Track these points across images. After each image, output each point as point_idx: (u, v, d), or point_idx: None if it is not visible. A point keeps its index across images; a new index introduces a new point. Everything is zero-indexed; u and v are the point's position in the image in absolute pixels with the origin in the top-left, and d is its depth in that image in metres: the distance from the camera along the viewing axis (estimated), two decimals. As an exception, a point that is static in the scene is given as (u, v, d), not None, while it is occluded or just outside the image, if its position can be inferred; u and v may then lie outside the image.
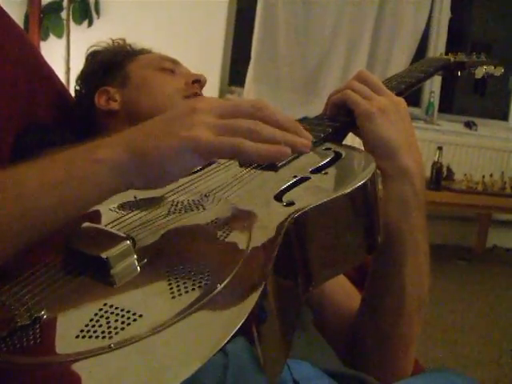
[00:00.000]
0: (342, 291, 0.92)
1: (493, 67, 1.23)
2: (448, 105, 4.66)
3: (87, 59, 1.19)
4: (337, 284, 0.92)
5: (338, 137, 0.83)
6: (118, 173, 0.56)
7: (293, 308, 0.60)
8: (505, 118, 4.63)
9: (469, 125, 4.38)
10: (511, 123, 4.56)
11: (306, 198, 0.63)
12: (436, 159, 3.59)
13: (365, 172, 0.68)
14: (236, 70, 4.08)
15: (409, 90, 1.00)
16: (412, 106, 4.38)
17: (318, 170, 0.71)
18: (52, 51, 3.18)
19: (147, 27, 3.21)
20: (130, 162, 0.56)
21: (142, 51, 1.19)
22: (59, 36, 3.30)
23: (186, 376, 0.39)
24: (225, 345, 0.42)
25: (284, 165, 0.73)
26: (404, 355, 0.82)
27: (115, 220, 0.64)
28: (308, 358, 0.65)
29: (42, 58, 1.19)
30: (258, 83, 3.93)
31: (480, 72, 1.21)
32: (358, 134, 0.83)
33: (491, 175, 3.83)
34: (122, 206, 0.69)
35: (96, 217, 0.67)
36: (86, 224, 0.61)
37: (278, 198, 0.64)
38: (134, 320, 0.47)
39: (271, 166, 0.72)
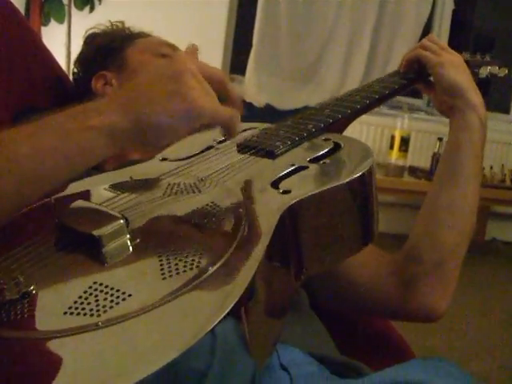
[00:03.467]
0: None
1: (497, 68, 1.24)
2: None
3: (85, 42, 1.18)
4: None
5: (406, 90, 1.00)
6: (112, 139, 0.56)
7: (284, 294, 0.61)
8: (506, 111, 4.61)
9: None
10: (512, 116, 4.55)
11: (302, 187, 0.64)
12: (436, 150, 3.58)
13: (363, 163, 0.68)
14: (237, 59, 4.06)
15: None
16: (413, 97, 4.37)
17: (316, 160, 0.71)
18: (53, 36, 3.16)
19: (148, 13, 3.19)
20: (127, 127, 0.56)
21: (141, 34, 1.18)
22: (60, 21, 3.28)
23: (171, 357, 0.39)
24: (213, 327, 0.42)
25: (282, 153, 0.73)
26: (443, 292, 0.92)
27: (109, 199, 0.64)
28: (300, 343, 0.65)
29: (41, 42, 1.18)
30: (258, 72, 3.92)
31: (484, 72, 1.22)
32: (425, 89, 1.04)
33: (491, 167, 3.82)
34: (116, 186, 0.69)
35: (90, 195, 0.67)
36: (80, 202, 0.61)
37: (275, 185, 0.64)
38: (124, 299, 0.47)
39: (270, 152, 0.72)
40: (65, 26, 3.24)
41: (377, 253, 0.94)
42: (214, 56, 3.66)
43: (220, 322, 0.43)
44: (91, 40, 1.18)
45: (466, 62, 1.20)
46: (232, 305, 0.44)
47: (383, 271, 0.93)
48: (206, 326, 0.42)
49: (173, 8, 3.49)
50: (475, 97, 0.95)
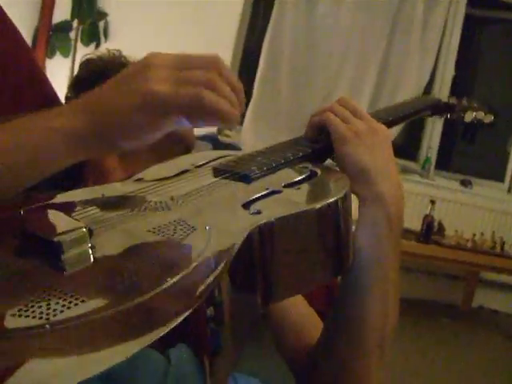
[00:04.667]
0: (307, 323, 0.90)
1: (483, 113, 1.23)
2: (445, 162, 4.67)
3: (80, 66, 1.19)
4: (302, 315, 0.90)
5: (316, 159, 0.82)
6: (73, 141, 0.56)
7: (247, 319, 0.59)
8: (501, 179, 4.64)
9: (464, 183, 4.40)
10: (506, 184, 4.57)
11: (274, 209, 0.62)
12: (428, 212, 3.59)
13: (337, 190, 0.67)
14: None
15: (395, 123, 1.00)
16: (409, 160, 4.40)
17: (291, 185, 0.70)
18: (57, 69, 3.21)
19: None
20: (87, 128, 0.56)
21: None
22: (65, 55, 3.34)
23: (108, 366, 0.38)
24: (154, 341, 0.40)
25: (257, 177, 0.72)
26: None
27: (76, 212, 0.63)
28: (258, 373, 0.63)
29: (35, 62, 1.18)
30: (256, 122, 3.96)
31: (469, 116, 1.22)
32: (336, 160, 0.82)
33: (482, 234, 3.82)
34: (87, 201, 0.68)
35: (58, 207, 0.65)
36: (45, 210, 0.60)
37: (246, 206, 0.63)
38: (76, 304, 0.45)
39: (245, 176, 0.72)
40: (69, 59, 3.28)
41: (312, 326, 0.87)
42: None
43: (169, 341, 0.41)
44: (86, 64, 1.19)
45: (452, 105, 1.21)
46: (180, 319, 0.43)
47: (302, 349, 0.85)
48: (146, 340, 0.41)
49: (178, 40, 3.53)
50: (382, 184, 0.76)
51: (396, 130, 4.10)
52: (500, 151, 4.74)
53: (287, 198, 0.67)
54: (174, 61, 0.59)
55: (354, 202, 0.74)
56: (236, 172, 0.73)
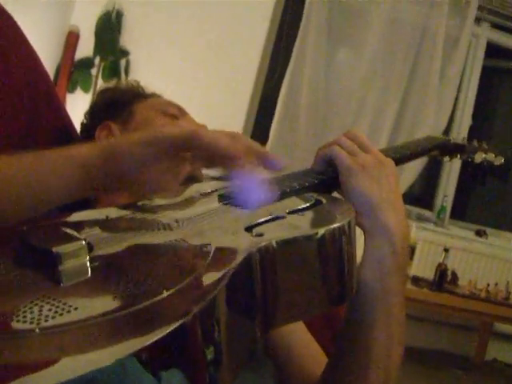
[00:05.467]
0: (311, 356, 0.89)
1: (493, 155, 1.22)
2: (461, 212, 4.65)
3: (97, 94, 1.21)
4: (306, 348, 0.89)
5: (323, 191, 0.82)
6: (85, 169, 0.59)
7: (242, 343, 0.58)
8: (514, 230, 4.60)
9: (479, 233, 4.36)
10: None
11: (276, 232, 0.62)
12: (441, 261, 3.55)
13: (342, 218, 0.67)
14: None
15: (403, 162, 1.00)
16: (424, 209, 4.39)
17: (295, 212, 0.70)
18: (77, 103, 3.26)
19: (174, 88, 3.29)
20: (99, 158, 0.59)
21: (153, 95, 1.20)
22: (86, 90, 3.40)
23: (86, 371, 0.37)
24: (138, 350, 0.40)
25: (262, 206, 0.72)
26: None
27: (78, 230, 0.63)
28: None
29: (52, 88, 1.21)
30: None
31: (479, 157, 1.21)
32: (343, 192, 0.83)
33: (496, 284, 3.77)
34: (89, 222, 0.68)
35: (59, 224, 0.66)
36: (47, 227, 0.61)
37: (249, 229, 0.63)
38: (68, 312, 0.45)
39: (249, 204, 0.72)
40: (90, 94, 3.35)
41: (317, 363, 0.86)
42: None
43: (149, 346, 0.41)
44: (102, 92, 1.21)
45: (462, 145, 1.20)
46: (164, 333, 0.42)
47: None
48: (129, 349, 0.40)
49: (198, 82, 3.59)
50: (388, 217, 0.76)
51: (412, 178, 4.10)
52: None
53: (290, 222, 0.67)
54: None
55: (360, 238, 0.74)
56: None
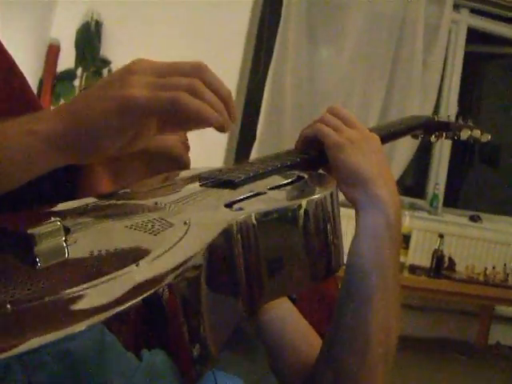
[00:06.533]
0: (304, 339, 0.87)
1: (479, 132, 1.21)
2: (454, 199, 4.66)
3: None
4: (299, 331, 0.88)
5: (305, 169, 0.82)
6: (52, 145, 0.56)
7: (226, 320, 0.57)
8: (511, 213, 4.59)
9: (473, 218, 4.36)
10: (517, 218, 4.54)
11: (256, 206, 0.62)
12: (437, 247, 3.55)
13: (322, 190, 0.67)
14: (240, 152, 4.10)
15: (388, 139, 1.00)
16: (416, 198, 4.39)
17: (276, 188, 0.70)
18: (61, 116, 3.25)
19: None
20: (64, 132, 0.56)
21: None
22: (70, 102, 3.38)
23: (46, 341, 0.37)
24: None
25: (243, 183, 0.72)
26: None
27: (58, 215, 0.62)
28: (242, 376, 0.60)
29: (28, 87, 1.19)
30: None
31: (465, 135, 1.20)
32: (328, 170, 0.82)
33: (494, 267, 3.77)
34: (68, 210, 0.67)
35: (37, 212, 0.65)
36: (23, 214, 0.60)
37: (229, 205, 0.63)
38: (42, 288, 0.44)
39: (230, 182, 0.71)
40: (74, 106, 3.33)
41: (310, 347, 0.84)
42: (217, 149, 3.71)
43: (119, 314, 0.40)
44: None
45: (446, 123, 1.20)
46: (134, 303, 0.42)
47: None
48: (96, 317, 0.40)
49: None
50: (380, 188, 0.76)
51: (402, 167, 4.10)
52: (507, 186, 4.72)
53: (271, 197, 0.66)
54: (157, 67, 0.59)
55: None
56: (221, 179, 0.73)
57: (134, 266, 0.46)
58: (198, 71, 0.60)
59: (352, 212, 0.77)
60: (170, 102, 0.56)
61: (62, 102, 3.42)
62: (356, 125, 0.82)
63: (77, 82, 3.40)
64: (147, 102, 0.55)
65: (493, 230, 4.29)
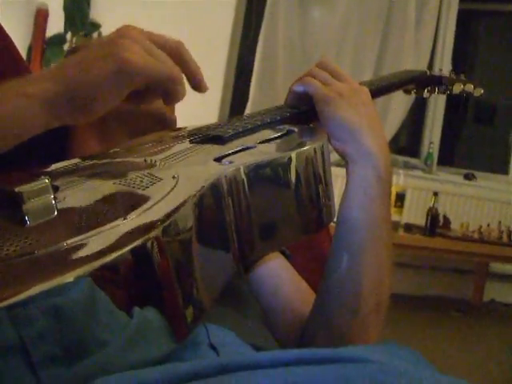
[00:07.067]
0: (299, 295, 0.88)
1: (472, 86, 1.20)
2: (448, 158, 4.66)
3: (65, 56, 1.19)
4: (293, 287, 0.88)
5: (296, 123, 0.81)
6: (47, 107, 0.56)
7: (216, 273, 0.57)
8: (506, 172, 4.61)
9: (468, 177, 4.37)
10: (511, 176, 4.55)
11: (246, 159, 0.61)
12: (432, 205, 3.56)
13: (312, 142, 0.67)
14: (234, 115, 4.08)
15: (380, 94, 0.99)
16: (411, 157, 4.39)
17: (266, 142, 0.69)
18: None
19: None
20: (60, 95, 0.56)
21: None
22: (60, 68, 3.34)
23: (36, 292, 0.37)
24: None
25: (232, 138, 0.71)
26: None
27: (45, 174, 0.62)
28: (235, 329, 0.60)
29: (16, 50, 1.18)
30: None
31: (457, 88, 1.19)
32: (320, 125, 0.81)
33: (488, 225, 3.79)
34: (59, 170, 0.67)
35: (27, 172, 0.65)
36: (13, 174, 0.59)
37: (218, 160, 0.62)
38: (30, 244, 0.44)
39: (219, 137, 0.71)
40: (64, 71, 3.29)
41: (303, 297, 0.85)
42: (210, 110, 3.69)
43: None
44: (71, 51, 1.19)
45: (438, 77, 1.19)
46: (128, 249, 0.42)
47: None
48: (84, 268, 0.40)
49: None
50: (370, 141, 0.75)
51: (396, 126, 4.09)
52: (502, 144, 4.72)
53: (260, 150, 0.66)
54: (146, 36, 0.61)
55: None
56: (210, 135, 0.72)
57: (122, 220, 0.46)
58: (180, 50, 0.64)
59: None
60: (168, 78, 0.59)
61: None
62: (345, 78, 0.82)
63: (67, 47, 3.36)
64: (145, 66, 0.57)
65: (487, 187, 4.30)
